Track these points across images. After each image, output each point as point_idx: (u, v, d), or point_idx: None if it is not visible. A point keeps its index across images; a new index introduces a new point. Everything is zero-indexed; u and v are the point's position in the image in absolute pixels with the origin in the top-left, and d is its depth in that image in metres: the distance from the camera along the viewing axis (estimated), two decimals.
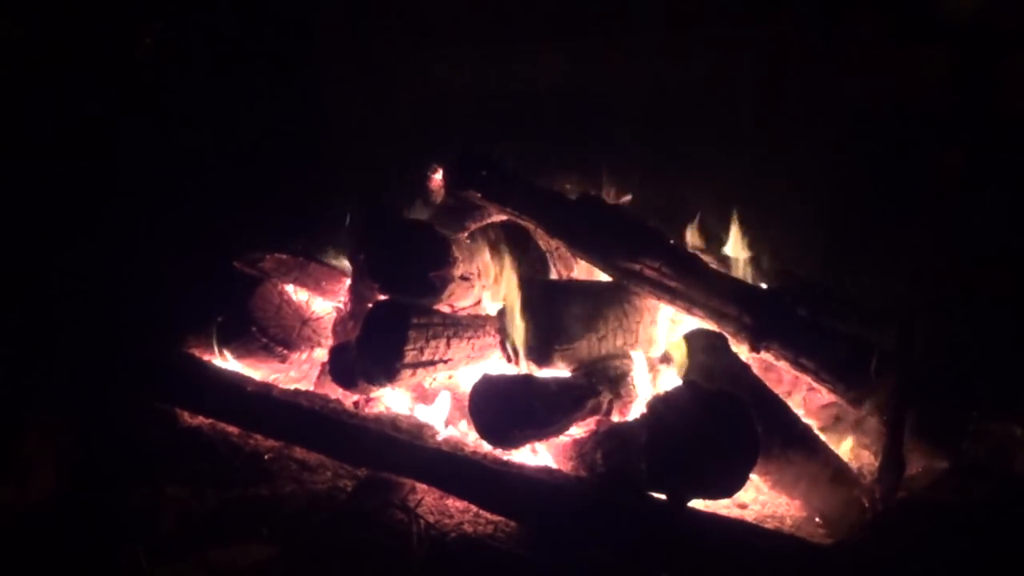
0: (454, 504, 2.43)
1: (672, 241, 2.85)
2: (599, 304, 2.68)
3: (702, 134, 3.48)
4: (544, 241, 3.06)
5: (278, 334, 3.10)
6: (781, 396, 2.55)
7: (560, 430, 2.47)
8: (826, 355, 2.43)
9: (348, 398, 2.86)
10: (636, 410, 2.59)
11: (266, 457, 2.69)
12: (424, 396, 2.82)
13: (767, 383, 2.55)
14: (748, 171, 3.40)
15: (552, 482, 2.37)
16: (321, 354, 3.13)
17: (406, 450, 2.54)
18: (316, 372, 3.09)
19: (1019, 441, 2.41)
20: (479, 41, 3.91)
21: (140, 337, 3.13)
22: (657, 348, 2.78)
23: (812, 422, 2.58)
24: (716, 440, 2.14)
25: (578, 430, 2.51)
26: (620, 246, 2.69)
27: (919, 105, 3.07)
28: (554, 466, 2.48)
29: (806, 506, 2.38)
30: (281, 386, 2.97)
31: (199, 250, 3.42)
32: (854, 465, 2.54)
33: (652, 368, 2.70)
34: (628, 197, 3.29)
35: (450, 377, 2.83)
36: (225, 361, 3.10)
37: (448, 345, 2.68)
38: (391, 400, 2.85)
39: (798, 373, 2.52)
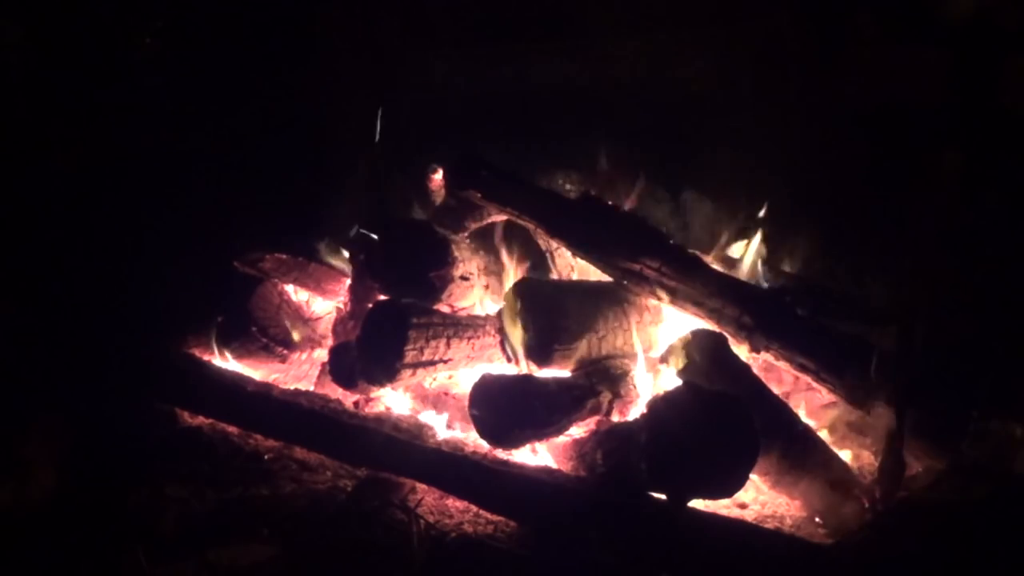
0: (454, 504, 2.43)
1: (672, 241, 2.85)
2: (599, 304, 2.68)
3: (702, 134, 3.48)
4: (544, 241, 3.06)
5: (278, 334, 3.11)
6: (781, 396, 2.55)
7: (560, 430, 2.47)
8: (826, 355, 2.43)
9: (348, 398, 2.87)
10: (636, 410, 2.59)
11: (266, 457, 2.69)
12: (424, 396, 2.82)
13: (767, 383, 2.55)
14: (748, 171, 3.40)
15: (552, 482, 2.37)
16: (321, 354, 3.13)
17: (406, 450, 2.54)
18: (316, 372, 3.10)
19: (1019, 441, 2.40)
20: (479, 41, 3.90)
21: (140, 337, 3.14)
22: (657, 348, 2.78)
23: (812, 422, 2.58)
24: (716, 440, 2.14)
25: (578, 430, 2.51)
26: (620, 246, 2.69)
27: (919, 105, 3.06)
28: (554, 466, 2.48)
29: (806, 506, 2.38)
30: (281, 386, 2.97)
31: (199, 250, 3.42)
32: (854, 465, 2.54)
33: (652, 368, 2.70)
34: (631, 198, 3.29)
35: (450, 377, 2.83)
36: (225, 361, 3.10)
37: (448, 345, 2.68)
38: (391, 400, 2.86)
39: (798, 373, 2.51)
